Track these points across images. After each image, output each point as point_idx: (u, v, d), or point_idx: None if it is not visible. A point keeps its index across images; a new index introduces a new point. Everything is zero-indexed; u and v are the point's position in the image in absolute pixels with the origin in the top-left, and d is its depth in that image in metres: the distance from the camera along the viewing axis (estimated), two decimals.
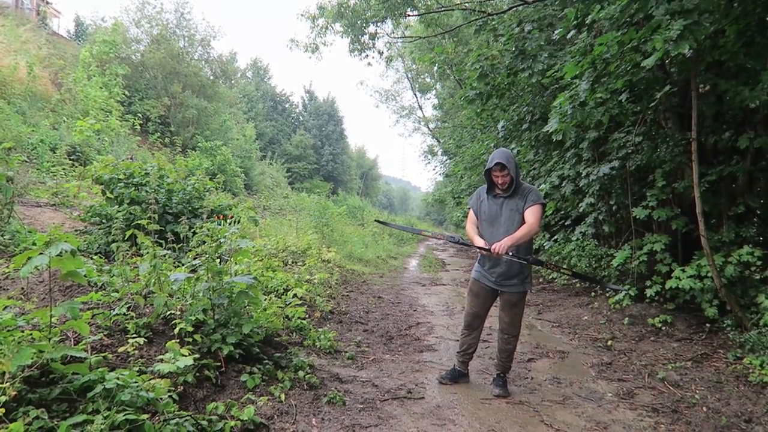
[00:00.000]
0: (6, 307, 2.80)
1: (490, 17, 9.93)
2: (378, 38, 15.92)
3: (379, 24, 15.30)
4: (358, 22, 14.82)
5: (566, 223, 8.80)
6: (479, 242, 3.96)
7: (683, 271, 5.70)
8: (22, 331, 2.64)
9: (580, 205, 7.46)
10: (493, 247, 3.75)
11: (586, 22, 5.80)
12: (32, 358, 2.43)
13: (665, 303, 6.23)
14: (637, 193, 6.90)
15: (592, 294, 7.66)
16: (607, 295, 7.12)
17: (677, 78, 6.12)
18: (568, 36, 6.55)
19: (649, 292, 6.18)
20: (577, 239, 7.83)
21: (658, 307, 6.24)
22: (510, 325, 4.11)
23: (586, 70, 5.69)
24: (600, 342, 5.77)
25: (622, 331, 6.01)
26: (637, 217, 6.38)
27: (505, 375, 4.23)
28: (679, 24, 4.28)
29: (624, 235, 7.29)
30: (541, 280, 9.86)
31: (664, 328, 5.83)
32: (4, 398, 2.19)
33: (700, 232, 5.30)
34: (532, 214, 3.84)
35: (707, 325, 5.62)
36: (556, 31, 6.83)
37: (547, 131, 6.51)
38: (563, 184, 7.82)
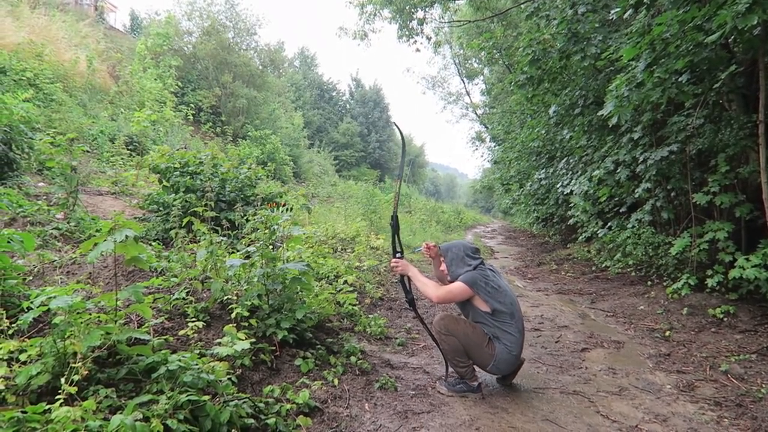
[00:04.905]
0: (75, 290, 2.93)
1: None
2: (426, 23, 15.87)
3: (427, 9, 15.23)
4: (407, 7, 14.78)
5: (621, 210, 8.53)
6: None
7: (747, 260, 5.44)
8: (90, 314, 2.77)
9: (636, 191, 7.21)
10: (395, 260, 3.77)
11: (645, 1, 5.57)
12: (101, 340, 2.54)
13: (727, 293, 5.96)
14: (697, 178, 6.61)
15: (648, 283, 7.40)
16: (665, 284, 6.88)
17: (743, 57, 5.81)
18: (625, 16, 6.31)
19: (710, 282, 5.92)
20: (633, 227, 7.59)
21: (720, 297, 5.97)
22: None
23: (644, 51, 5.47)
24: (657, 332, 5.59)
25: (680, 321, 5.80)
26: (698, 203, 6.12)
27: (462, 378, 3.73)
28: None
29: (683, 223, 7.02)
30: (593, 268, 9.62)
31: (726, 319, 5.58)
32: (77, 377, 2.30)
33: (766, 219, 5.05)
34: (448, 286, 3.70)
35: None
36: (613, 11, 6.59)
37: (602, 115, 6.32)
38: (618, 170, 7.58)
